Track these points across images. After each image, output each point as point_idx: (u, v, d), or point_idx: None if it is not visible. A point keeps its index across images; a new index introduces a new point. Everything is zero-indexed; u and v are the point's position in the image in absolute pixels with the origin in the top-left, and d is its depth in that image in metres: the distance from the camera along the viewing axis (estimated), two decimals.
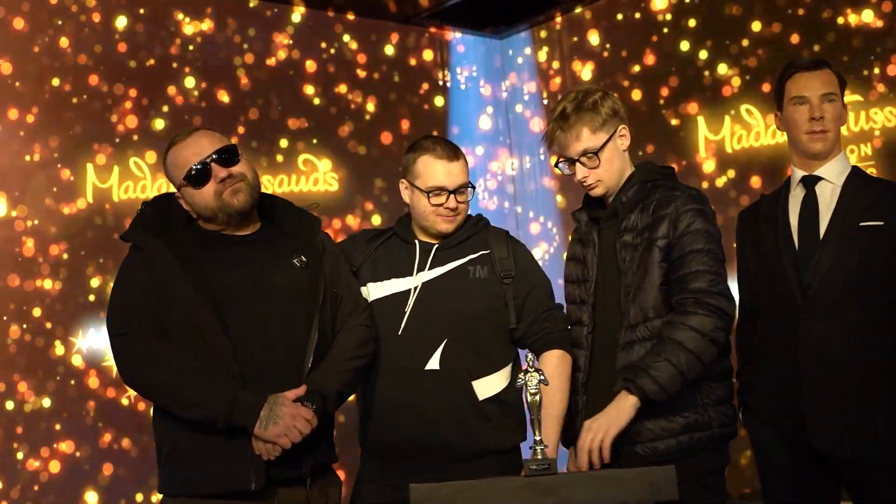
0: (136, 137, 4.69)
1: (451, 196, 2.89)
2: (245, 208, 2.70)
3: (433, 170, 2.90)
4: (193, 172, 2.66)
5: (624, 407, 2.63)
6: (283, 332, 2.65)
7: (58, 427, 4.44)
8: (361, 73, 5.31)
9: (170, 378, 2.54)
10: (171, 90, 4.80)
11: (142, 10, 4.77)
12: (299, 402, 2.58)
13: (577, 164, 2.84)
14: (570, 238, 3.12)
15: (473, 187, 2.97)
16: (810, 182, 3.00)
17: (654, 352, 2.64)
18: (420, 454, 2.82)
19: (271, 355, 2.63)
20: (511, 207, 5.61)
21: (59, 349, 4.49)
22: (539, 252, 5.51)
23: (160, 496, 2.69)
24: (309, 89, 5.17)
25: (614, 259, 2.82)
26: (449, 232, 2.94)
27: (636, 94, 5.25)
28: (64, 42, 4.58)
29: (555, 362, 2.87)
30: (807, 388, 2.86)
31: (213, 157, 2.68)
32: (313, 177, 5.08)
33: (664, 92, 5.18)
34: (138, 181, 4.63)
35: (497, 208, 5.60)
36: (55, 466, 4.44)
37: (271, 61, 5.08)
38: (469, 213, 3.02)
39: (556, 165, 2.96)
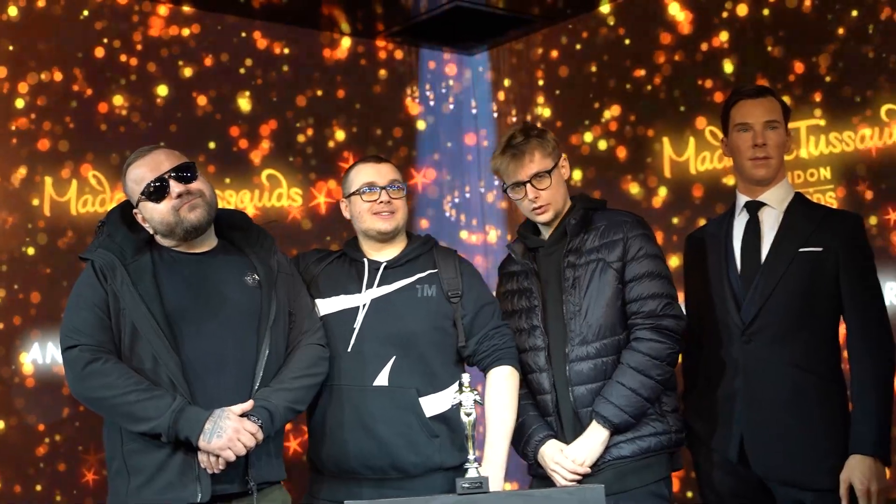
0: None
1: (383, 191, 2.99)
2: (201, 224, 2.76)
3: (362, 171, 3.05)
4: (151, 188, 2.73)
5: (597, 438, 2.89)
6: (233, 349, 2.72)
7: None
8: (323, 89, 5.35)
9: (117, 392, 2.60)
10: (138, 101, 4.84)
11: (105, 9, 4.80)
12: (245, 417, 2.64)
13: (528, 186, 3.01)
14: (498, 275, 3.25)
15: (404, 188, 3.06)
16: (754, 207, 3.06)
17: (614, 380, 2.88)
18: (368, 471, 2.88)
19: (221, 372, 2.70)
20: (479, 224, 5.69)
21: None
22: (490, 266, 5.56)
23: None
24: (272, 102, 5.21)
25: (557, 281, 2.98)
26: (388, 231, 3.00)
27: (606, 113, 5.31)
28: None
29: (504, 378, 2.96)
30: (746, 413, 2.93)
31: (171, 173, 2.74)
32: (277, 192, 5.14)
33: (631, 115, 5.23)
34: (97, 195, 4.67)
35: (465, 225, 5.68)
36: None
37: (240, 71, 5.12)
38: (418, 232, 3.13)
39: (504, 191, 3.11)
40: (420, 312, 2.95)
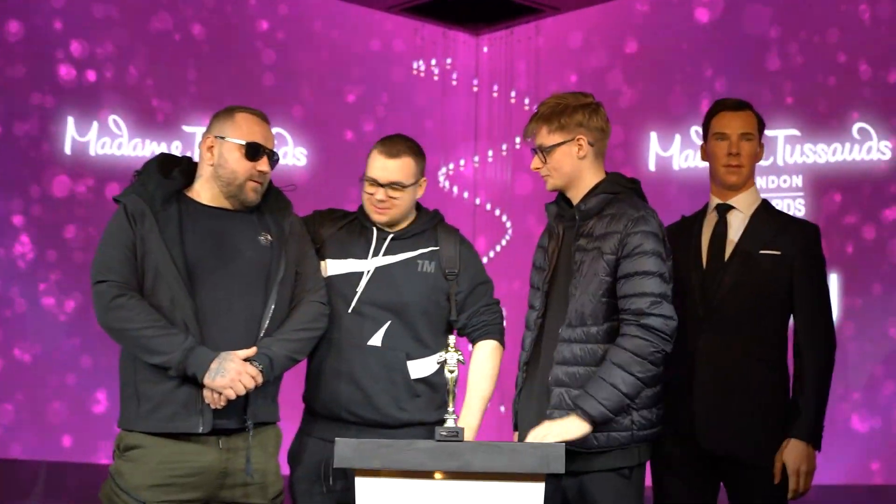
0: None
1: (382, 189, 3.19)
2: (253, 204, 3.06)
3: (373, 163, 3.22)
4: (251, 148, 3.00)
5: (572, 428, 2.85)
6: (242, 300, 2.99)
7: None
8: (345, 62, 5.52)
9: (136, 325, 2.87)
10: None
11: None
12: (248, 361, 2.91)
13: (535, 155, 3.09)
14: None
15: (407, 186, 3.19)
16: (723, 209, 3.34)
17: (599, 376, 2.88)
18: (355, 417, 3.17)
19: (230, 319, 2.97)
20: (471, 198, 5.94)
21: None
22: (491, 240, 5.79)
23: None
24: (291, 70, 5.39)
25: (570, 256, 3.06)
26: (382, 223, 3.23)
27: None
28: None
29: (489, 351, 3.26)
30: (698, 393, 3.21)
31: (268, 151, 3.04)
32: (282, 150, 5.34)
33: (623, 103, 5.40)
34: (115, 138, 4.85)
35: (456, 197, 5.92)
36: None
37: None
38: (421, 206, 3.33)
39: (532, 150, 3.15)
40: (417, 285, 3.21)
